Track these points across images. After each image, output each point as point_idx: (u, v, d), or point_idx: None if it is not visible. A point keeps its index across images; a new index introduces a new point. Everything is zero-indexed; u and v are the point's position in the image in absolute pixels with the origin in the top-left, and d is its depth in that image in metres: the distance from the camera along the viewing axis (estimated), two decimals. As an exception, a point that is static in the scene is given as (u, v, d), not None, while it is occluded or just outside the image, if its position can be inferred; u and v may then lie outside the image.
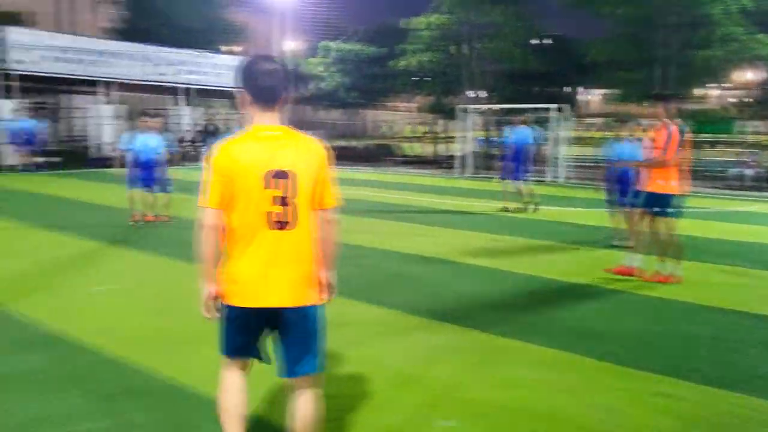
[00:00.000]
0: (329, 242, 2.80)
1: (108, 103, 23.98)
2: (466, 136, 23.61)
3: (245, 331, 2.72)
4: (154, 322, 5.39)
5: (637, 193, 7.22)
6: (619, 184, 8.48)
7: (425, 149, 33.78)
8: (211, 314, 2.73)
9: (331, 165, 2.75)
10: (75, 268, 7.33)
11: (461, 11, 25.76)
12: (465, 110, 23.41)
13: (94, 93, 28.65)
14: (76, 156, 22.30)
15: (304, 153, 2.66)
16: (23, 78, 20.80)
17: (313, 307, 2.75)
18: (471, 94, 28.14)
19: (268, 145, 2.61)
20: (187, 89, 26.31)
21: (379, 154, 31.02)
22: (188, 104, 26.64)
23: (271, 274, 2.61)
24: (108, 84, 23.65)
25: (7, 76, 20.39)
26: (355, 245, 8.36)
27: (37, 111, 20.76)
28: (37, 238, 9.09)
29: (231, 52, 30.36)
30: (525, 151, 12.46)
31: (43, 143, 20.16)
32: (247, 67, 2.69)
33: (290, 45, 32.86)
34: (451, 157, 25.82)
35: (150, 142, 10.13)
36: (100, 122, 23.03)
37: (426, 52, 26.52)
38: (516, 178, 12.68)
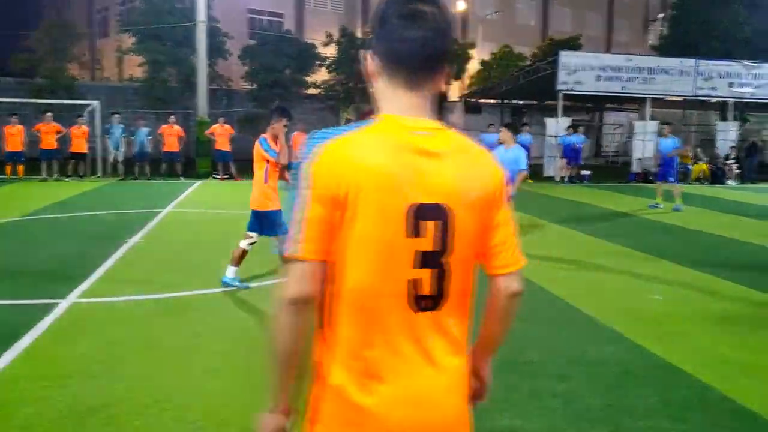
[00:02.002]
0: (505, 324, 1.59)
1: (642, 119, 24.01)
2: None
3: None
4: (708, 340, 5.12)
5: None
6: None
7: None
8: None
9: (507, 199, 1.53)
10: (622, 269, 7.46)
11: None
12: None
13: (635, 110, 29.29)
14: (610, 170, 23.12)
15: (471, 174, 1.45)
16: (567, 97, 22.62)
17: None
18: None
19: (414, 153, 1.40)
20: (735, 103, 24.25)
21: None
22: (735, 119, 24.55)
23: (423, 390, 1.43)
24: (645, 100, 23.64)
25: (556, 96, 22.43)
26: None
27: (576, 128, 22.13)
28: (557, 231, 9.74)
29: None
30: None
31: (583, 158, 21.53)
32: (383, 10, 1.46)
33: None
34: None
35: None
36: (641, 138, 23.17)
37: None
38: None
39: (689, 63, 23.01)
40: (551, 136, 21.92)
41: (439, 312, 1.44)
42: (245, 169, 21.10)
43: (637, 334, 5.12)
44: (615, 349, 4.78)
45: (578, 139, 20.98)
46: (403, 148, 1.39)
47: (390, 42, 1.44)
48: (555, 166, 21.26)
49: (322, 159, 1.39)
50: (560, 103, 22.24)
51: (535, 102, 31.67)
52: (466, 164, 1.44)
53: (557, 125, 21.78)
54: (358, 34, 31.21)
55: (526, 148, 20.83)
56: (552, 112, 23.07)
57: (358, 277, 1.39)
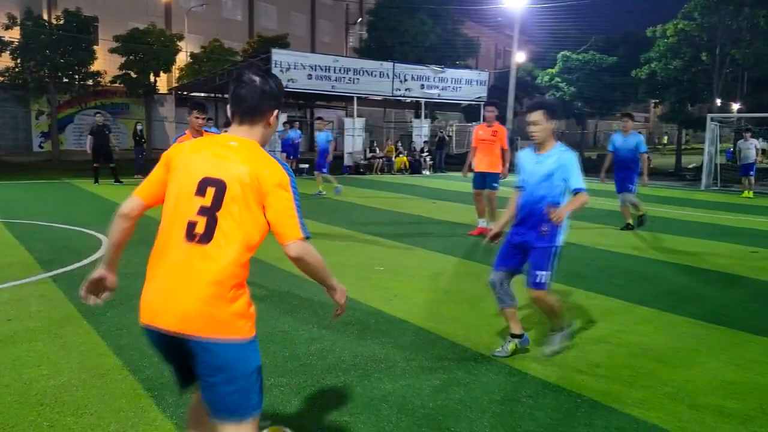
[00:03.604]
0: (310, 275, 2.49)
1: (350, 116, 26.29)
2: (712, 148, 21.91)
3: (162, 355, 2.47)
4: (421, 297, 6.22)
5: None
6: None
7: (664, 161, 31.95)
8: (86, 299, 2.54)
9: (288, 191, 2.33)
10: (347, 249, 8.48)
11: (715, 15, 23.87)
12: (713, 119, 21.81)
13: (343, 108, 31.54)
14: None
15: (248, 167, 2.30)
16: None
17: (222, 345, 2.24)
18: (719, 102, 26.02)
19: (217, 151, 2.35)
20: (425, 103, 27.79)
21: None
22: (426, 117, 28.15)
23: (173, 291, 2.25)
24: (351, 99, 25.86)
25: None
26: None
27: (293, 124, 23.34)
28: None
29: (467, 66, 31.43)
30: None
31: (299, 152, 22.82)
32: (232, 77, 2.55)
33: (521, 56, 33.06)
34: (694, 169, 24.26)
35: None
36: (351, 134, 25.29)
37: (673, 60, 25.00)
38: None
39: (388, 66, 25.79)
40: (268, 130, 22.70)
41: (207, 246, 2.25)
42: None
43: (371, 299, 6.02)
44: (354, 313, 5.57)
45: (296, 135, 22.11)
46: (212, 147, 2.39)
47: (229, 95, 2.48)
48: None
49: (172, 146, 2.61)
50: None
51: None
52: (247, 161, 2.32)
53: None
54: (45, 16, 28.37)
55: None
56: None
57: (165, 214, 2.36)
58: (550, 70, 30.38)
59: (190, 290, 2.22)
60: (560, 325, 4.64)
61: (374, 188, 18.09)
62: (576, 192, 4.21)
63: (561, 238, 4.36)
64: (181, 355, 2.31)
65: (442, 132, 30.02)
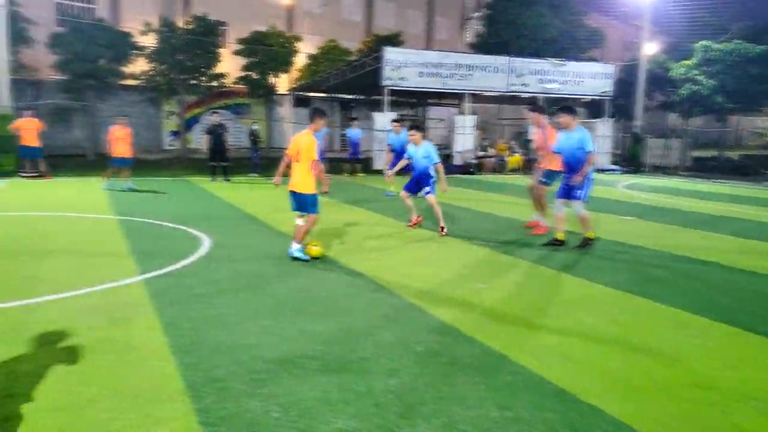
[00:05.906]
0: None
1: (462, 113, 25.40)
2: None
3: None
4: (527, 327, 5.39)
5: None
6: None
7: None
8: None
9: None
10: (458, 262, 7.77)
11: None
12: None
13: (455, 105, 30.71)
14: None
15: None
16: (392, 92, 23.28)
17: None
18: None
19: None
20: (544, 99, 26.40)
21: (758, 167, 27.16)
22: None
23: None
24: (463, 95, 24.99)
25: (382, 91, 22.96)
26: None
27: (402, 122, 22.88)
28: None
29: (592, 59, 29.56)
30: None
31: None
32: None
33: (652, 47, 30.63)
34: None
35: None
36: (462, 132, 24.47)
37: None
38: None
39: (503, 60, 24.70)
40: (378, 130, 22.41)
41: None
42: (58, 165, 19.65)
43: (463, 324, 5.30)
44: (443, 339, 4.92)
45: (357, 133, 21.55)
46: None
47: None
48: (383, 160, 21.81)
49: None
50: (386, 98, 22.81)
51: (362, 96, 32.25)
52: None
53: (384, 119, 22.34)
54: (180, 23, 29.77)
55: (356, 141, 21.40)
56: (379, 106, 23.61)
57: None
58: (685, 62, 27.84)
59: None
60: None
61: (476, 188, 17.17)
62: None
63: None
64: None
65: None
